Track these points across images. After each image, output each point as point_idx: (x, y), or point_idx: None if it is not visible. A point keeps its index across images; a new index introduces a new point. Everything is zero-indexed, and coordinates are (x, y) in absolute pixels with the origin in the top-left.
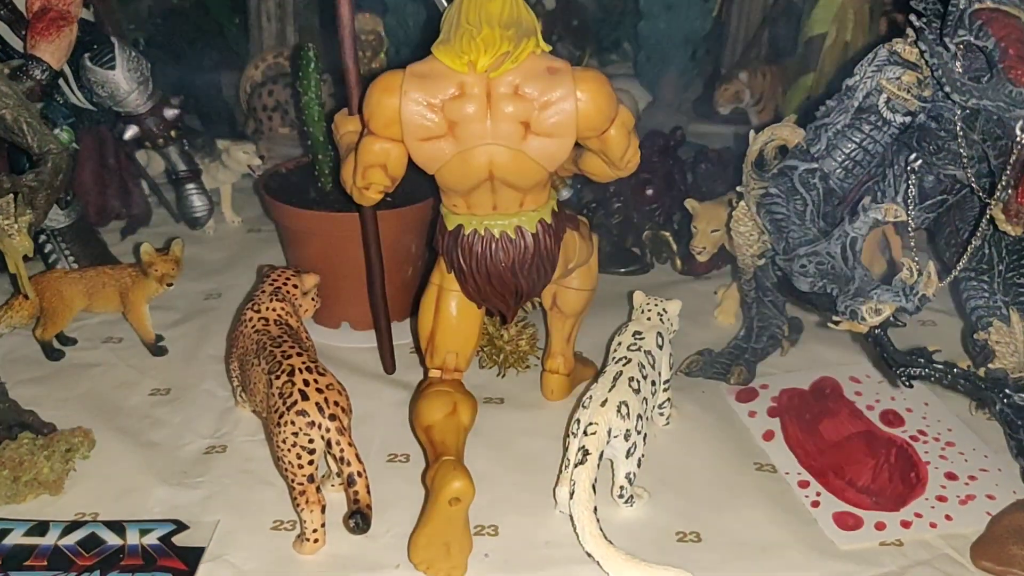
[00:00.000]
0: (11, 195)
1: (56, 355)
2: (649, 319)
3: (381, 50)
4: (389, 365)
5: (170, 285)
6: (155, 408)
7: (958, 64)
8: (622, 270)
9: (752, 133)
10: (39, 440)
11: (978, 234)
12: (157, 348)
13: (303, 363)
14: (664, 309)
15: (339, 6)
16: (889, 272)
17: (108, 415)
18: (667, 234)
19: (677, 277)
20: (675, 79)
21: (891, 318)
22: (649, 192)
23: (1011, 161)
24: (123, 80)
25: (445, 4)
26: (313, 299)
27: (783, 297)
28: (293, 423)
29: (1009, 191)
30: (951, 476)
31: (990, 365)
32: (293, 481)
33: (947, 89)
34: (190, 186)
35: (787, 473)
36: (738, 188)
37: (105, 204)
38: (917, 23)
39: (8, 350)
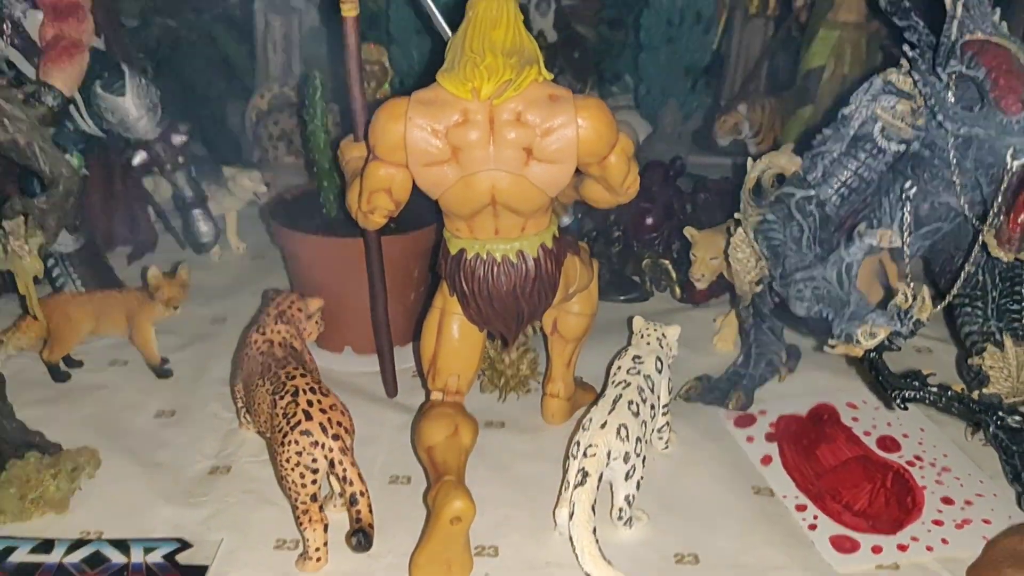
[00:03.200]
0: (22, 217)
1: (63, 377)
2: (648, 344)
3: (385, 80)
4: (391, 389)
5: (176, 309)
6: (160, 429)
7: (951, 93)
8: (622, 298)
9: (750, 161)
10: (46, 459)
11: (971, 260)
12: (162, 370)
13: (307, 384)
14: (663, 334)
15: (346, 36)
16: (885, 299)
17: (114, 436)
18: (667, 262)
19: (676, 305)
20: (675, 111)
21: (886, 342)
22: (649, 221)
23: (1002, 188)
24: (133, 106)
25: (450, 33)
26: (317, 323)
27: (780, 322)
28: (297, 442)
29: (1001, 217)
30: (947, 500)
31: (984, 390)
32: (296, 500)
33: (940, 118)
34: (197, 212)
35: (784, 497)
36: (736, 215)
37: (112, 229)
38: (911, 53)
39: (16, 371)
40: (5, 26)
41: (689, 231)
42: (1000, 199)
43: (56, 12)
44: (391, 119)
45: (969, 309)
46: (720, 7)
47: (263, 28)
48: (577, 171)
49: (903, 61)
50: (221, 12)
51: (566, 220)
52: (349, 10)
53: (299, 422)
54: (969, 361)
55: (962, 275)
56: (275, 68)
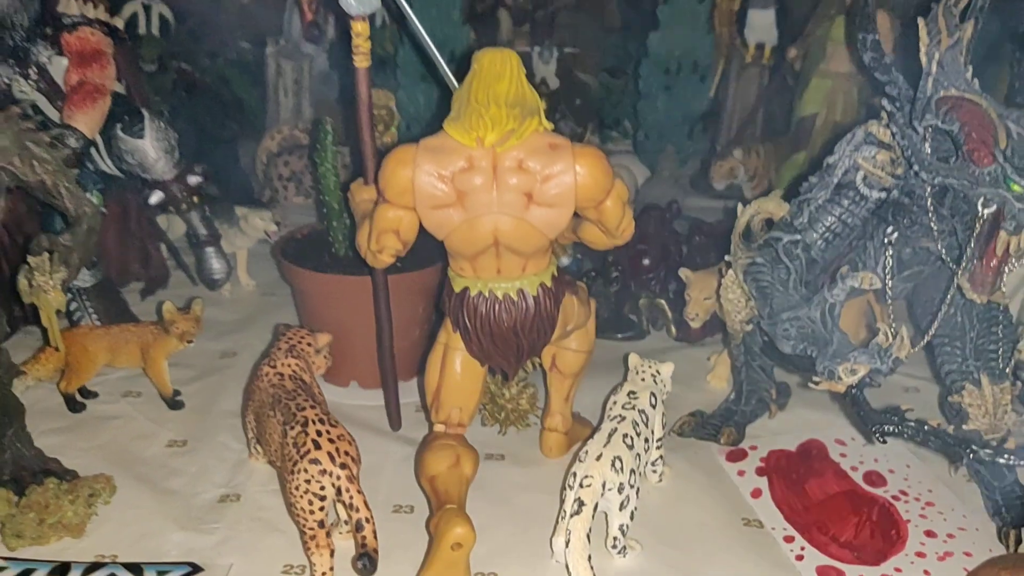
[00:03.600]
0: (47, 253)
1: (78, 407)
2: (643, 380)
3: (392, 124)
4: (395, 422)
5: (190, 343)
6: (172, 458)
7: (927, 145)
8: (619, 336)
9: (740, 206)
10: (63, 485)
11: (948, 301)
12: (174, 402)
13: (316, 415)
14: (658, 371)
15: (358, 85)
16: (870, 337)
17: (128, 464)
18: (662, 302)
19: (672, 343)
20: (673, 156)
21: (867, 379)
22: (646, 262)
23: (975, 235)
24: (151, 149)
25: (456, 83)
26: (325, 357)
27: (769, 360)
28: (306, 471)
29: (974, 261)
30: (930, 534)
31: (965, 426)
32: (304, 526)
33: (917, 168)
34: (210, 250)
35: (773, 528)
36: (727, 257)
37: (127, 265)
38: (889, 107)
39: (33, 401)
40: (32, 71)
41: (684, 272)
42: (973, 244)
43: (81, 58)
44: (400, 164)
45: (948, 348)
46: (716, 56)
47: (275, 72)
48: (575, 214)
49: (883, 113)
50: (235, 57)
51: (565, 261)
52: (361, 61)
53: (308, 451)
54: (949, 399)
55: (939, 315)
56: (286, 111)
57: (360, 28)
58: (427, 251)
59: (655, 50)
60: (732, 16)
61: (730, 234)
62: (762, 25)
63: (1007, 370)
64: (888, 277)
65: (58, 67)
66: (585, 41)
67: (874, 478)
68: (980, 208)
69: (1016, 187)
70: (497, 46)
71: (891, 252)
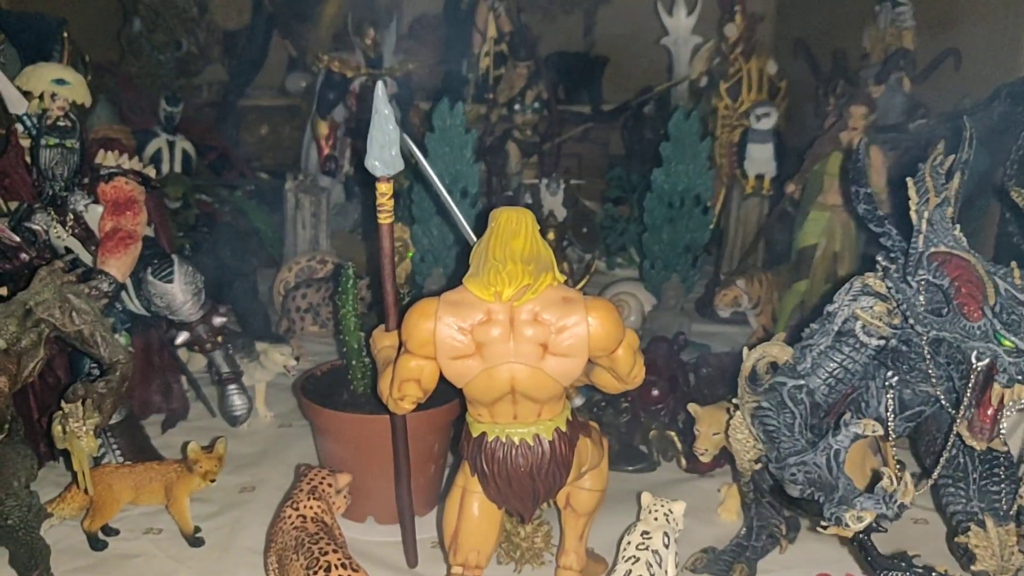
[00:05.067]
0: (80, 400)
1: (100, 545)
2: (656, 519)
3: (406, 255)
4: (412, 558)
5: (212, 481)
6: None
7: (921, 298)
8: (630, 468)
9: (745, 350)
10: None
11: (950, 444)
12: (195, 539)
13: (338, 559)
14: (670, 510)
15: (381, 238)
16: (875, 477)
17: None
18: (672, 433)
19: (682, 475)
20: (677, 284)
21: (873, 524)
22: (655, 393)
23: (970, 385)
24: (179, 292)
25: (474, 238)
26: (345, 497)
27: (777, 501)
28: None
29: (972, 410)
30: None
31: (973, 568)
32: None
33: (911, 321)
34: (232, 387)
35: None
36: (734, 400)
37: (149, 399)
38: (883, 263)
39: (56, 540)
40: (69, 218)
41: (693, 408)
42: (969, 394)
43: (116, 206)
44: (423, 317)
45: (952, 489)
46: (718, 185)
47: (293, 206)
48: (588, 360)
49: (878, 266)
50: (253, 189)
51: (578, 401)
52: (385, 219)
53: None
54: (956, 539)
55: (943, 458)
56: (303, 243)
57: (384, 188)
58: (441, 391)
59: (659, 185)
60: (732, 148)
61: (735, 365)
62: (761, 158)
63: (1011, 511)
64: (890, 418)
65: (93, 214)
66: (590, 171)
67: None
68: (973, 360)
69: (1006, 342)
70: (506, 177)
71: (892, 394)
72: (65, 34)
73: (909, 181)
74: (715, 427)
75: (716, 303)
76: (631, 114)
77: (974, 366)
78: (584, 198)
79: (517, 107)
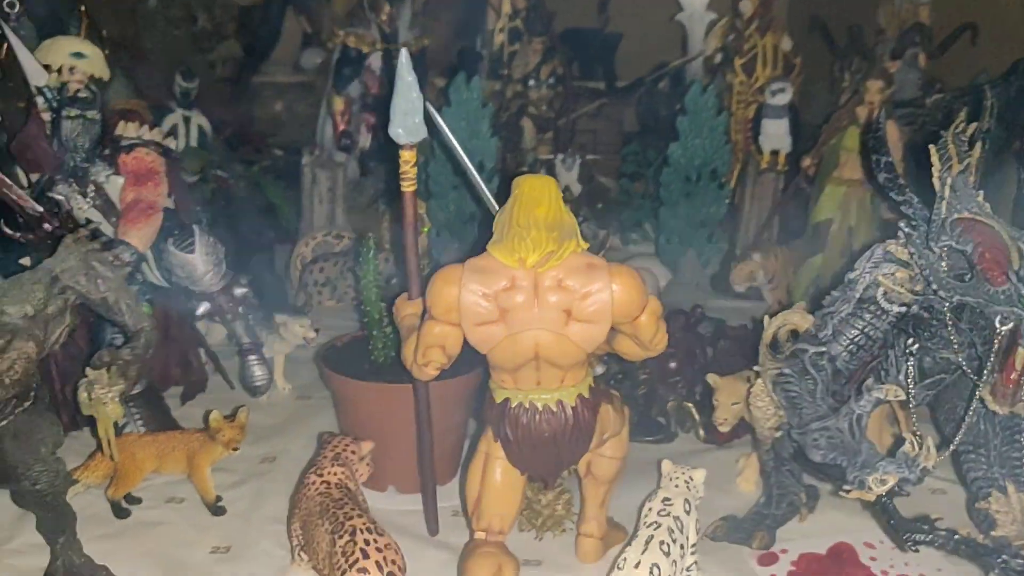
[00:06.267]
0: (106, 366)
1: (124, 513)
2: (677, 487)
3: (422, 230)
4: (433, 527)
5: (235, 450)
6: (217, 564)
7: (943, 264)
8: (648, 439)
9: (767, 318)
10: None
11: (971, 411)
12: (217, 508)
13: (364, 524)
14: (690, 477)
15: (405, 207)
16: (896, 443)
17: (173, 571)
18: (690, 405)
19: (700, 446)
20: (694, 259)
21: (896, 488)
22: (672, 365)
23: (994, 349)
24: (200, 263)
25: (496, 206)
26: (368, 464)
27: (800, 467)
28: None
29: (995, 375)
30: None
31: (993, 533)
32: None
33: (934, 286)
34: (252, 358)
35: None
36: (755, 367)
37: (167, 371)
38: (906, 229)
39: (80, 507)
40: (90, 189)
41: (712, 378)
42: (993, 359)
43: (136, 177)
44: (447, 283)
45: (973, 456)
46: (733, 162)
47: (310, 181)
48: (611, 328)
49: (900, 233)
50: (270, 164)
51: (600, 370)
52: (408, 187)
53: (356, 560)
54: (976, 505)
55: (964, 424)
56: (320, 218)
57: (408, 156)
58: (463, 359)
59: (675, 160)
60: (747, 124)
61: (753, 338)
62: (776, 134)
63: None
64: (911, 386)
65: (114, 186)
66: (605, 147)
67: None
68: (997, 324)
69: None
70: (521, 152)
71: (912, 362)
72: (83, 8)
73: (932, 148)
74: (734, 397)
75: (732, 278)
76: (645, 90)
77: (998, 331)
78: (599, 174)
79: (532, 83)
